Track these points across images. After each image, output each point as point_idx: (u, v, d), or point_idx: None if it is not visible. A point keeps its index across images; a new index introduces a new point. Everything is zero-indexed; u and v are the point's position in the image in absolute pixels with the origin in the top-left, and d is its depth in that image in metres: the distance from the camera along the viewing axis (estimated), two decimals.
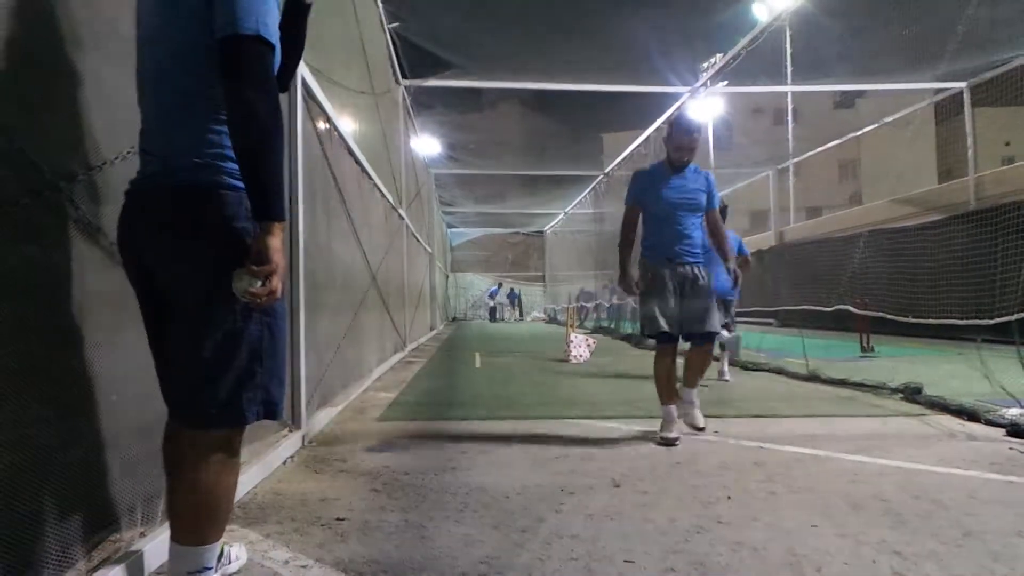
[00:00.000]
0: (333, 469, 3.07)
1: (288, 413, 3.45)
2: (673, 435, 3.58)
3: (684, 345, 3.84)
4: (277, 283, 1.49)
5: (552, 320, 24.72)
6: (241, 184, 1.50)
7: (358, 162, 5.75)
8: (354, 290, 5.60)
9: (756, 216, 26.42)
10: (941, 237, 10.86)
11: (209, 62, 1.47)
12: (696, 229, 3.78)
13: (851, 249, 12.57)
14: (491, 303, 28.64)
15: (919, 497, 2.60)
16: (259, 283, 1.45)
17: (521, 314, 29.67)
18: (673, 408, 3.68)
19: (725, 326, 6.03)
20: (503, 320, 27.64)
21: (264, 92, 1.46)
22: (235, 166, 1.50)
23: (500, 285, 29.47)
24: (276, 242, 1.48)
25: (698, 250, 3.77)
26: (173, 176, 1.51)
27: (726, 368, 6.27)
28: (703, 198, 3.79)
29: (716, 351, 7.34)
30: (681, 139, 3.75)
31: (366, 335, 6.18)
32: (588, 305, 17.55)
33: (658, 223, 3.76)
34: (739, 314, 16.54)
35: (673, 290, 3.68)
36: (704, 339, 3.73)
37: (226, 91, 1.44)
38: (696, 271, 3.73)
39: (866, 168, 28.47)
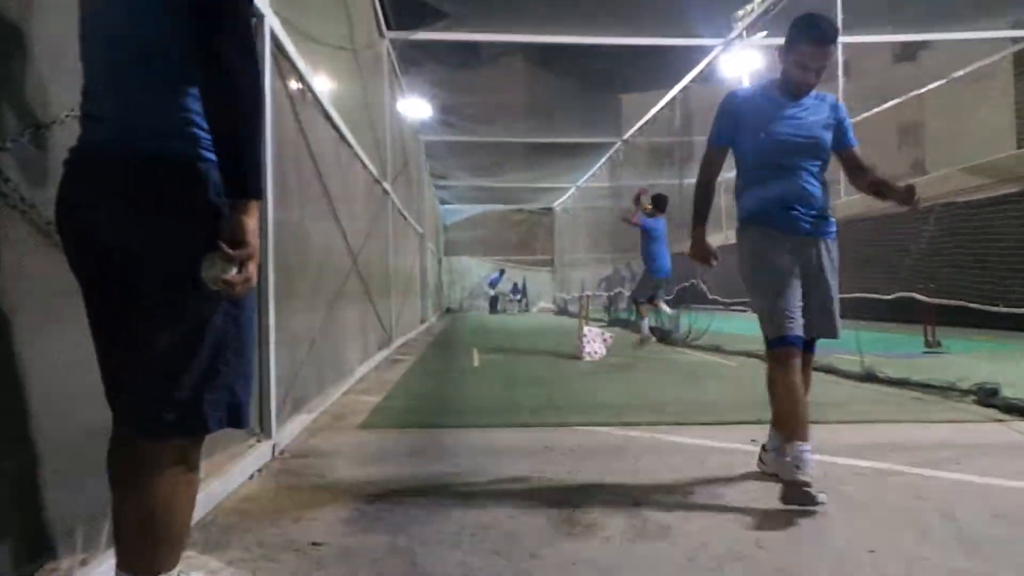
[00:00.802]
0: (308, 485, 3.07)
1: (256, 420, 3.46)
2: (805, 478, 2.69)
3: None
4: (254, 270, 1.49)
5: (562, 311, 24.72)
6: (212, 155, 1.49)
7: (336, 128, 5.72)
8: (332, 277, 5.60)
9: None
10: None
11: (174, 13, 1.46)
12: (817, 182, 3.00)
13: (915, 226, 12.45)
14: (491, 292, 28.65)
15: (997, 518, 2.58)
16: (234, 269, 1.46)
17: (527, 305, 29.68)
18: (806, 448, 2.77)
19: (667, 302, 8.08)
20: (505, 312, 27.66)
21: (243, 49, 1.46)
22: (205, 134, 1.50)
23: (502, 272, 29.41)
24: (252, 223, 1.48)
25: (821, 212, 2.99)
26: (131, 144, 1.49)
27: (646, 329, 8.41)
28: (828, 137, 3.00)
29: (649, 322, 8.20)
30: (808, 51, 2.89)
31: (346, 329, 6.18)
32: (609, 294, 17.49)
33: (762, 174, 3.00)
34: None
35: (795, 271, 2.95)
36: (812, 347, 3.04)
37: (199, 47, 1.43)
38: (823, 246, 2.99)
39: (931, 131, 28.23)
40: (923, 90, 16.29)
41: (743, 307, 18.84)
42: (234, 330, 1.57)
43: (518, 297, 29.18)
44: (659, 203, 9.83)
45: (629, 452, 3.67)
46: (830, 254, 3.03)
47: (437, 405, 5.25)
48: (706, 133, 3.19)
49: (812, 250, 2.98)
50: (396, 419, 4.65)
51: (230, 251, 1.45)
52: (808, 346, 3.02)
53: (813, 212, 2.97)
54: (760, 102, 3.05)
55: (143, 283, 1.51)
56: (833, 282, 3.04)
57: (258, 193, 1.50)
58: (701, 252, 3.17)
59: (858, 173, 3.12)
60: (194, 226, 1.48)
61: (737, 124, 3.06)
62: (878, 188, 3.05)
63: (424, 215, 16.64)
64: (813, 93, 3.04)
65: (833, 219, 3.09)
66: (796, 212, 2.95)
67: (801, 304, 2.93)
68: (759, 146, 2.99)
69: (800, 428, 2.80)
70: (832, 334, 3.06)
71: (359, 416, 4.73)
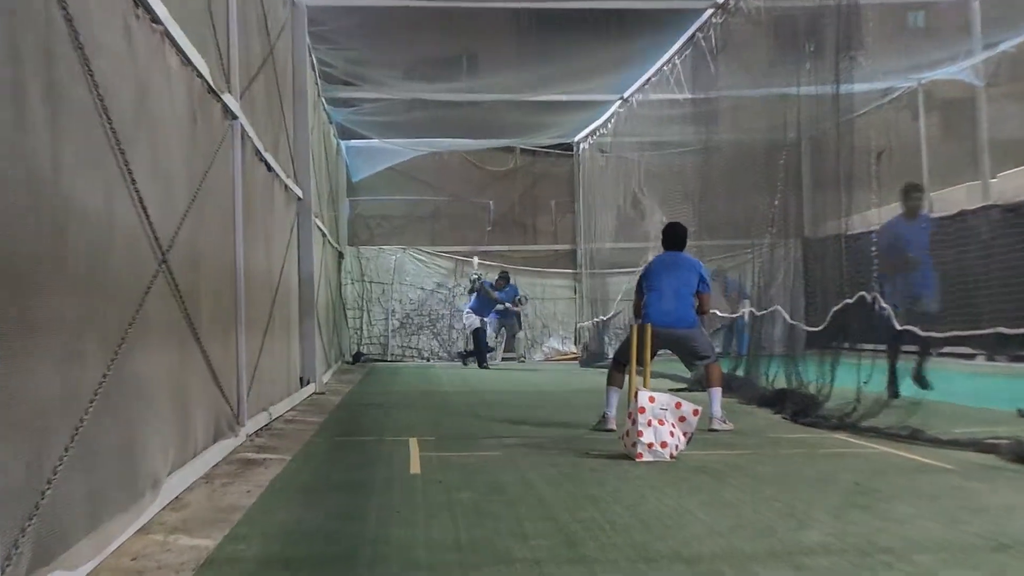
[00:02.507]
0: None
1: None
2: None
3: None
4: None
5: (595, 358, 24.82)
6: None
7: None
8: (117, 289, 5.58)
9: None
10: None
11: None
12: None
13: None
14: (473, 322, 26.89)
15: None
16: None
17: (519, 345, 29.56)
18: None
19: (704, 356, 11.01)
20: (488, 362, 26.71)
21: None
22: None
23: (507, 278, 28.05)
24: None
25: None
26: None
27: (717, 410, 10.57)
28: None
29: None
30: None
31: (146, 397, 6.16)
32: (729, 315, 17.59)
33: None
34: (959, 339, 16.37)
35: None
36: None
37: None
38: None
39: None
40: None
41: (979, 349, 18.75)
42: None
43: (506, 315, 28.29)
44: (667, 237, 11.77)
45: None
46: None
47: (336, 554, 5.27)
48: None
49: None
50: None
51: None
52: None
53: None
54: None
55: None
56: None
57: None
58: None
59: None
60: None
61: None
62: None
63: (307, 163, 16.68)
64: None
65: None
66: None
67: None
68: None
69: None
70: None
71: None
